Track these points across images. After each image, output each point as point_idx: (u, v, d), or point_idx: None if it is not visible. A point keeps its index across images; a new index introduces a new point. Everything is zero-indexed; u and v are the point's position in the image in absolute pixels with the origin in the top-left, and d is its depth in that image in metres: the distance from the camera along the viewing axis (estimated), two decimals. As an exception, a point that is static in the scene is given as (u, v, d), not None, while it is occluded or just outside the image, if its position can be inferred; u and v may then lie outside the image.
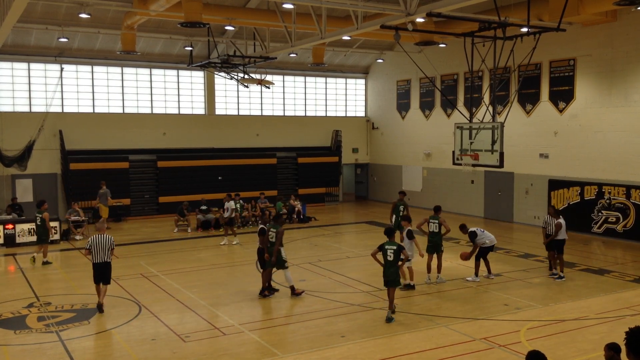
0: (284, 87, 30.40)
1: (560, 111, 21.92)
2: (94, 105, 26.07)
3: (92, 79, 25.94)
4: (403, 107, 29.88)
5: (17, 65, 24.50)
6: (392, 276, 11.58)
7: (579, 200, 21.16)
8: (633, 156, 19.62)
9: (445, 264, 15.24)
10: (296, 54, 27.06)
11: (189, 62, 24.42)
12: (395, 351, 9.94)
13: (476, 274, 14.68)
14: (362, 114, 32.90)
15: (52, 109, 24.91)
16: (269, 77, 26.09)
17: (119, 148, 26.11)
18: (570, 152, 21.63)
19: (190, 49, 24.66)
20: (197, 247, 19.59)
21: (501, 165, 14.55)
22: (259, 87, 26.53)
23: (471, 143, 15.16)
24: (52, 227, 18.78)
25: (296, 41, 20.64)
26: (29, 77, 24.78)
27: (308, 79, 31.11)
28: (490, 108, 15.23)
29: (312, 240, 20.63)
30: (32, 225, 19.43)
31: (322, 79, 31.52)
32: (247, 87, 26.49)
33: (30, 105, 24.81)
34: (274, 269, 13.43)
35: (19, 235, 19.54)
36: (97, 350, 10.27)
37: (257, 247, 13.76)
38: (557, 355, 9.56)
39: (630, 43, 19.58)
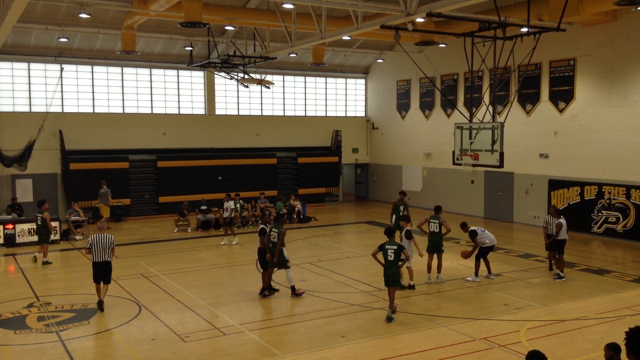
0: (284, 87, 30.40)
1: (560, 111, 21.92)
2: (94, 105, 26.07)
3: (92, 79, 25.95)
4: (403, 107, 29.88)
5: (17, 65, 24.50)
6: (393, 276, 11.58)
7: (579, 200, 21.16)
8: (633, 156, 19.62)
9: (445, 264, 15.24)
10: (296, 54, 27.06)
11: (189, 62, 24.42)
12: (395, 351, 9.94)
13: (476, 274, 14.68)
14: (362, 114, 32.90)
15: (52, 109, 24.92)
16: (269, 77, 26.09)
17: (119, 148, 26.12)
18: (570, 152, 21.63)
19: (190, 49, 24.66)
20: (197, 247, 19.59)
21: (501, 165, 14.55)
22: (259, 87, 26.53)
23: (471, 143, 15.16)
24: (53, 226, 18.79)
25: (296, 41, 20.64)
26: (29, 77, 24.79)
27: (308, 79, 31.11)
28: (490, 108, 15.23)
29: (312, 240, 20.63)
30: (32, 225, 19.45)
31: (322, 79, 31.52)
32: (247, 87, 26.50)
33: (30, 105, 24.81)
34: (276, 269, 13.42)
35: (19, 235, 19.54)
36: (97, 350, 10.27)
37: (258, 247, 13.75)
38: (557, 355, 9.57)
39: (630, 43, 19.58)
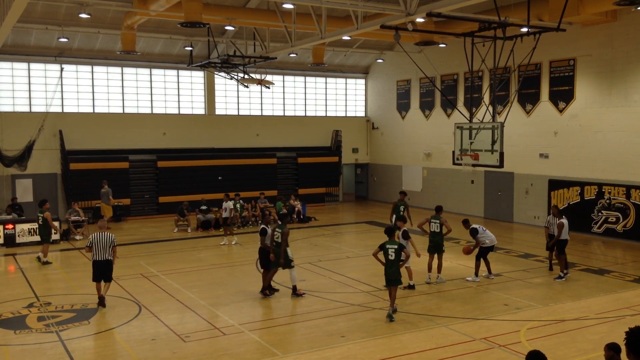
0: (284, 87, 30.40)
1: (560, 111, 21.92)
2: (94, 105, 26.07)
3: (92, 79, 25.95)
4: (403, 107, 29.88)
5: (17, 65, 24.50)
6: (394, 275, 11.60)
7: (579, 200, 21.16)
8: (633, 156, 19.62)
9: (445, 264, 15.24)
10: (296, 54, 27.06)
11: (189, 62, 24.42)
12: (395, 351, 9.94)
13: (476, 274, 14.69)
14: (362, 114, 32.90)
15: (52, 109, 24.92)
16: (269, 77, 26.09)
17: (119, 148, 26.12)
18: (570, 152, 21.63)
19: (190, 49, 24.66)
20: (197, 247, 19.59)
21: (501, 165, 14.55)
22: (259, 87, 26.53)
23: (471, 143, 15.16)
24: (56, 225, 18.84)
25: (296, 41, 20.64)
26: (29, 77, 24.79)
27: (308, 79, 31.11)
28: (490, 108, 15.23)
29: (312, 240, 20.63)
30: (32, 225, 19.47)
31: (322, 79, 31.52)
32: (247, 87, 26.49)
33: (30, 105, 24.81)
34: (279, 269, 13.40)
35: (19, 235, 19.54)
36: (97, 350, 10.27)
37: (259, 247, 13.74)
38: (557, 355, 9.56)
39: (630, 43, 19.58)
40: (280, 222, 13.53)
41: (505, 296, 13.27)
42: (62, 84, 25.21)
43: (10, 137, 23.86)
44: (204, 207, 23.18)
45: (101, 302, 12.36)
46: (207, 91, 28.28)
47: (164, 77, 27.40)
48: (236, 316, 11.92)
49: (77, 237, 20.82)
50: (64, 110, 25.31)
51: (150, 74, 27.05)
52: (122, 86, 26.53)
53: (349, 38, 23.35)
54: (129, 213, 25.60)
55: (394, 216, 17.75)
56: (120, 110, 26.53)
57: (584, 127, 21.12)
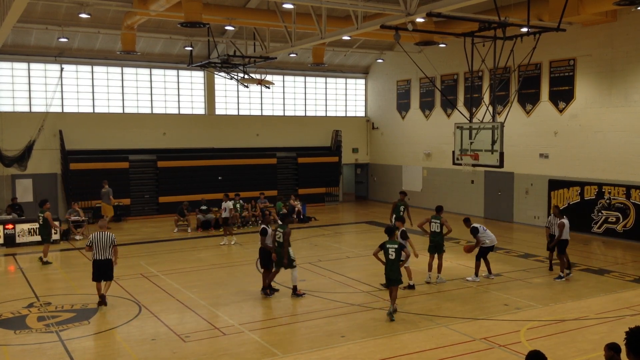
0: (284, 87, 30.40)
1: (560, 111, 21.92)
2: (94, 105, 26.07)
3: (92, 79, 25.95)
4: (403, 107, 29.88)
5: (17, 65, 24.50)
6: (395, 275, 11.61)
7: (579, 200, 21.16)
8: (633, 156, 19.62)
9: (446, 264, 15.24)
10: (296, 54, 27.06)
11: (189, 62, 24.42)
12: (395, 351, 9.94)
13: (476, 274, 14.69)
14: (362, 114, 32.90)
15: (52, 109, 24.92)
16: (269, 77, 26.09)
17: (119, 148, 26.11)
18: (570, 152, 21.63)
19: (190, 49, 24.66)
20: (197, 247, 19.59)
21: (501, 165, 14.55)
22: (259, 87, 26.53)
23: (471, 143, 15.16)
24: (57, 224, 18.85)
25: (296, 41, 20.64)
26: (29, 77, 24.78)
27: (308, 79, 31.11)
28: (490, 108, 15.23)
29: (312, 240, 20.63)
30: (32, 225, 19.48)
31: (322, 79, 31.52)
32: (247, 87, 26.49)
33: (30, 105, 24.81)
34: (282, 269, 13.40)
35: (19, 235, 19.54)
36: (97, 350, 10.27)
37: (259, 247, 13.74)
38: (557, 355, 9.56)
39: (630, 43, 19.58)
40: (281, 222, 13.52)
41: (505, 296, 13.27)
42: (62, 84, 25.21)
43: (10, 137, 23.87)
44: (204, 207, 23.18)
45: (103, 300, 12.39)
46: (207, 91, 28.28)
47: (164, 77, 27.40)
48: (236, 316, 11.92)
49: (77, 237, 20.82)
50: (64, 110, 25.31)
51: (150, 74, 27.05)
52: (122, 86, 26.53)
53: (349, 38, 23.35)
54: (129, 213, 25.60)
55: (394, 216, 17.74)
56: (120, 110, 26.53)
57: (584, 127, 21.12)
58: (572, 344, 10.18)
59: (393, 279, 11.62)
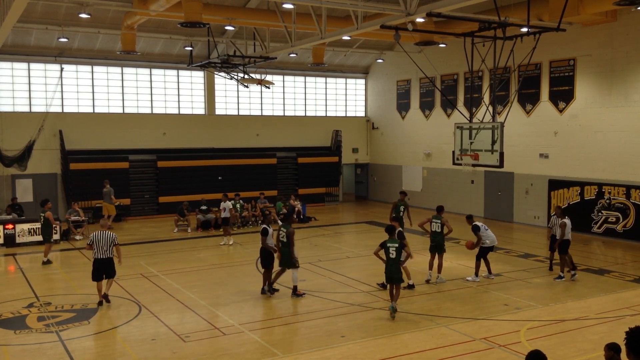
0: (284, 87, 30.40)
1: (560, 111, 21.92)
2: (94, 105, 26.07)
3: (92, 79, 25.95)
4: (403, 107, 29.88)
5: (17, 65, 24.50)
6: (395, 273, 11.64)
7: (579, 200, 21.16)
8: (633, 156, 19.62)
9: (446, 264, 15.23)
10: (296, 54, 27.06)
11: (189, 62, 24.42)
12: (395, 351, 9.94)
13: (476, 274, 14.69)
14: (362, 114, 32.90)
15: (52, 109, 24.91)
16: (269, 77, 26.09)
17: (119, 148, 26.11)
18: (570, 152, 21.63)
19: (190, 49, 24.66)
20: (197, 247, 19.59)
21: (501, 165, 14.55)
22: (259, 87, 26.53)
23: (471, 143, 15.16)
24: (58, 223, 18.84)
25: (296, 41, 20.64)
26: (29, 77, 24.78)
27: (308, 79, 31.11)
28: (490, 108, 15.23)
29: (312, 240, 20.63)
30: (32, 225, 19.49)
31: (322, 79, 31.51)
32: (247, 87, 26.49)
33: (30, 105, 24.81)
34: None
35: (19, 235, 19.53)
36: (97, 350, 10.27)
37: (260, 247, 13.73)
38: (557, 355, 9.56)
39: (630, 43, 19.58)
40: (282, 222, 13.51)
41: (505, 296, 13.27)
42: (62, 84, 25.20)
43: (10, 137, 23.87)
44: (204, 207, 23.18)
45: (106, 299, 12.40)
46: (207, 91, 28.28)
47: (164, 77, 27.40)
48: (236, 316, 11.92)
49: (77, 237, 20.82)
50: (64, 110, 25.31)
51: (150, 74, 27.05)
52: (122, 86, 26.53)
53: (349, 38, 23.35)
54: (129, 213, 25.60)
55: (393, 216, 17.75)
56: (120, 110, 26.53)
57: (584, 127, 21.12)
58: (572, 344, 10.18)
59: (393, 277, 11.65)
